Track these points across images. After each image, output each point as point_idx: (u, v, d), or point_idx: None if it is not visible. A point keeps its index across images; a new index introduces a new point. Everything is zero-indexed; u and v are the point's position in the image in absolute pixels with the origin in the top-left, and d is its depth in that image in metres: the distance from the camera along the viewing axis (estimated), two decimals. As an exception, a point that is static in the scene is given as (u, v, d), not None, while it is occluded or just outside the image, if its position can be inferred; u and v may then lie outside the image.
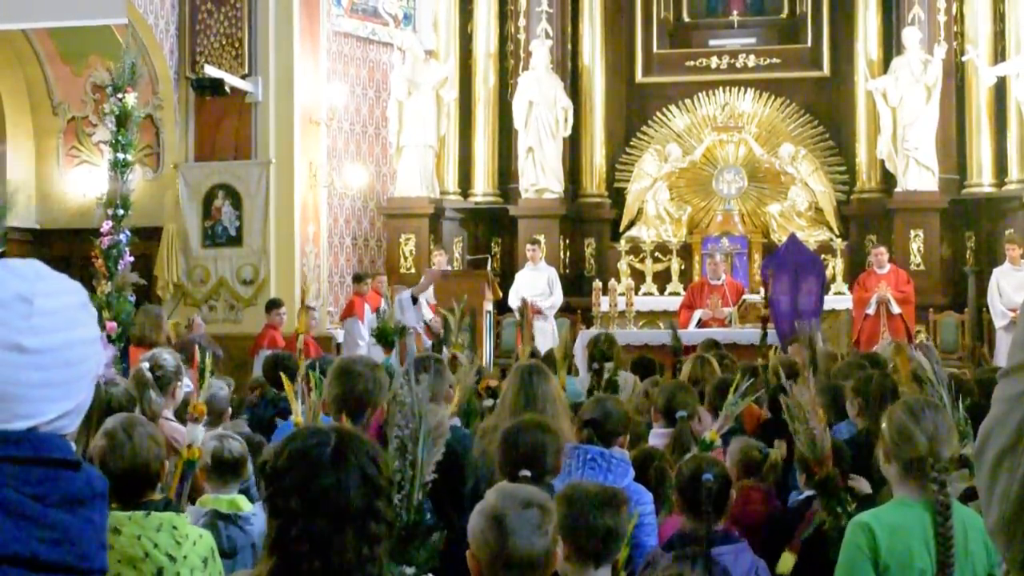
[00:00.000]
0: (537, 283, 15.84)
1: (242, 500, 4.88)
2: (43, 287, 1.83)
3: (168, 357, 5.89)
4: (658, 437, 5.97)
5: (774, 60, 17.99)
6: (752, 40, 18.21)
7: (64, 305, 1.86)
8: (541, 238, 16.81)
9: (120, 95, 11.90)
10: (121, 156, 11.99)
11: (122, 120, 11.95)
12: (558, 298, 15.86)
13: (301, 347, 10.18)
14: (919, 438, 3.60)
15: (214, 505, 4.82)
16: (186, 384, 6.01)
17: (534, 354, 9.77)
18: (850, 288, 16.01)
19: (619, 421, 5.11)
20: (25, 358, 1.79)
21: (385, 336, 10.98)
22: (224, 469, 4.95)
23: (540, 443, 4.27)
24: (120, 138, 11.97)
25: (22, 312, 1.79)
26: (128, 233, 11.89)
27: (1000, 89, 16.67)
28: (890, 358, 7.51)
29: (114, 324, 11.09)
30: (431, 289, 14.79)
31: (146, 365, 5.70)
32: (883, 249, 15.37)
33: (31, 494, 1.75)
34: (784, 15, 18.37)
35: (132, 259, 11.97)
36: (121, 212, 11.85)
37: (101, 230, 11.83)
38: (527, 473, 4.05)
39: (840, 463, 4.76)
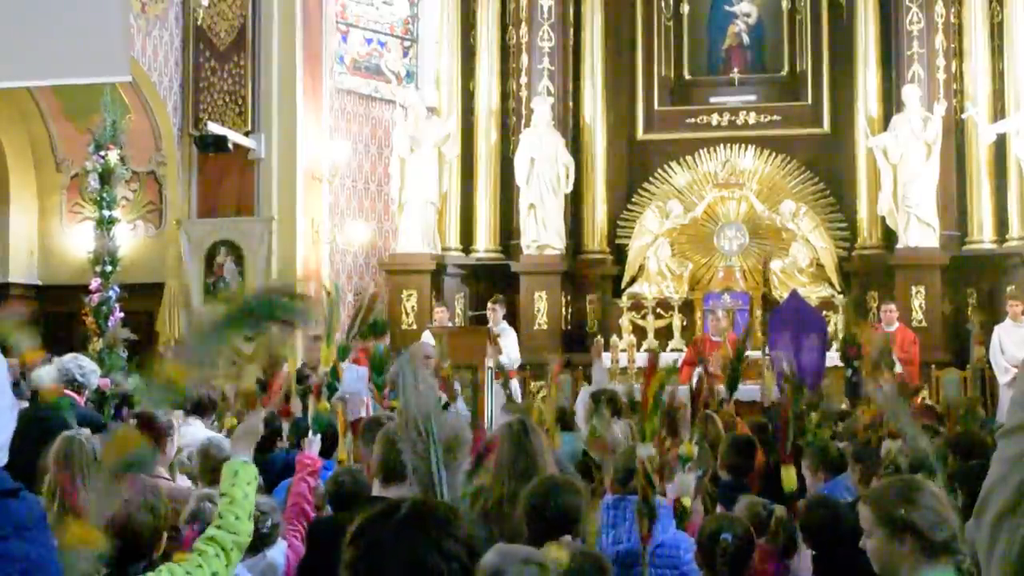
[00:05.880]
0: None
1: None
2: None
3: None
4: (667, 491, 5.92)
5: (775, 117, 18.06)
6: (753, 97, 18.29)
7: None
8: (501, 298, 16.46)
9: (103, 152, 11.90)
10: (107, 213, 11.96)
11: (105, 177, 11.94)
12: (515, 357, 15.29)
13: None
14: (951, 519, 3.61)
15: None
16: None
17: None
18: (852, 344, 16.00)
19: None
20: None
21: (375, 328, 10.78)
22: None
23: (574, 505, 4.20)
24: (104, 195, 11.95)
25: None
26: (117, 289, 11.84)
27: (1000, 146, 16.72)
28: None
29: (107, 381, 11.01)
30: (430, 346, 14.67)
31: (134, 422, 5.68)
32: (893, 307, 15.36)
33: None
34: (784, 73, 18.46)
35: (122, 315, 11.91)
36: (109, 268, 11.81)
37: (90, 287, 11.78)
38: (568, 539, 3.98)
39: (839, 525, 4.73)
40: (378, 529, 2.45)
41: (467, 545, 2.48)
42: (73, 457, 4.86)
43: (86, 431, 5.20)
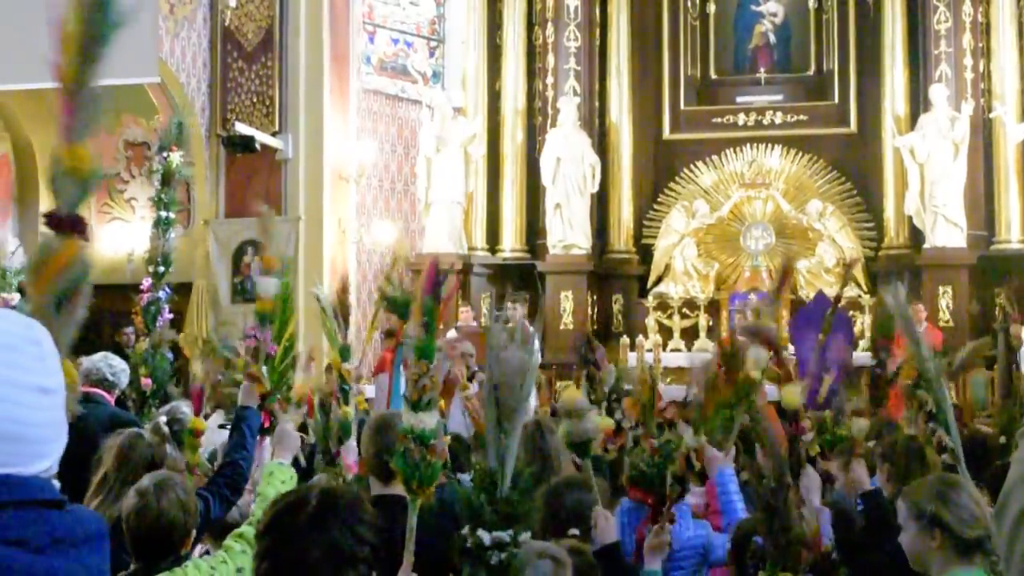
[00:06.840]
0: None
1: None
2: (40, 330, 1.84)
3: (187, 410, 5.91)
4: (696, 496, 5.91)
5: (801, 117, 18.01)
6: (779, 97, 18.25)
7: (53, 348, 1.87)
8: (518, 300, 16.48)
9: (166, 154, 11.98)
10: (164, 214, 12.03)
11: (167, 178, 12.02)
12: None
13: None
14: (984, 518, 3.62)
15: None
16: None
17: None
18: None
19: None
20: (47, 399, 1.79)
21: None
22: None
23: (585, 501, 4.28)
24: (164, 196, 12.03)
25: (35, 354, 1.79)
26: (168, 290, 11.93)
27: (1028, 146, 16.65)
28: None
29: (149, 381, 11.09)
30: (469, 343, 14.67)
31: (163, 419, 5.72)
32: (920, 307, 15.28)
33: (12, 540, 1.71)
34: (811, 72, 18.41)
35: (172, 316, 12.00)
36: (162, 269, 11.89)
37: (141, 287, 11.85)
38: (575, 532, 4.05)
39: (850, 530, 4.73)
40: (291, 520, 2.56)
41: (375, 528, 2.63)
42: (131, 456, 4.90)
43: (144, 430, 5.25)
